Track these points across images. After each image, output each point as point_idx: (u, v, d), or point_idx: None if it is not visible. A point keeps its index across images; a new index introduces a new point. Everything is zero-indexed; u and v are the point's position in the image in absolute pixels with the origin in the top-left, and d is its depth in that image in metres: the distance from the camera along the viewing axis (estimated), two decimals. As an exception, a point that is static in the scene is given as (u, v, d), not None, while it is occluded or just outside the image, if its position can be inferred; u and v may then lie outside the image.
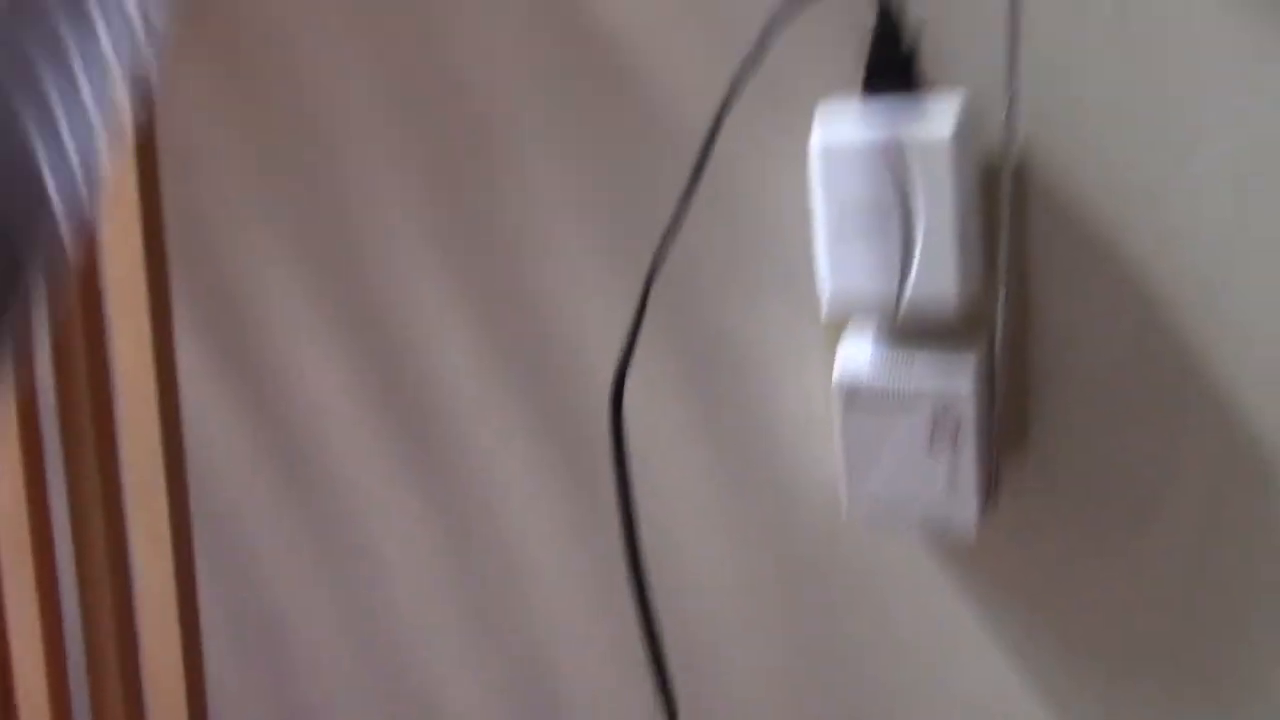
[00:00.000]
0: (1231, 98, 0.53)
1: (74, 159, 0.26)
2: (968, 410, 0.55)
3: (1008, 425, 0.59)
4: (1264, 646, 0.59)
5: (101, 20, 0.28)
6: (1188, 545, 0.58)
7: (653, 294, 0.55)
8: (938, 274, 0.53)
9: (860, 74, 0.55)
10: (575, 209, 0.68)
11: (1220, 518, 0.57)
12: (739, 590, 0.71)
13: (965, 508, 0.57)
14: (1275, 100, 0.52)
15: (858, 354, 0.58)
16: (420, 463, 0.79)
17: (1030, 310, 0.58)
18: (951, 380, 0.55)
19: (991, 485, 0.58)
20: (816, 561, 0.68)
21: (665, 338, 0.67)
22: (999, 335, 0.55)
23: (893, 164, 0.53)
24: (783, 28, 0.53)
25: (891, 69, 0.54)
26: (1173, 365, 0.56)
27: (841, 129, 0.54)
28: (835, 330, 0.61)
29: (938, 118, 0.53)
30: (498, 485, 0.76)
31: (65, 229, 0.27)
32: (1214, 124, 0.53)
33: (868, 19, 0.54)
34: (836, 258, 0.55)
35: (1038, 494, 0.61)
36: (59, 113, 0.26)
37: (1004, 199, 0.54)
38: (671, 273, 0.63)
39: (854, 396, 0.57)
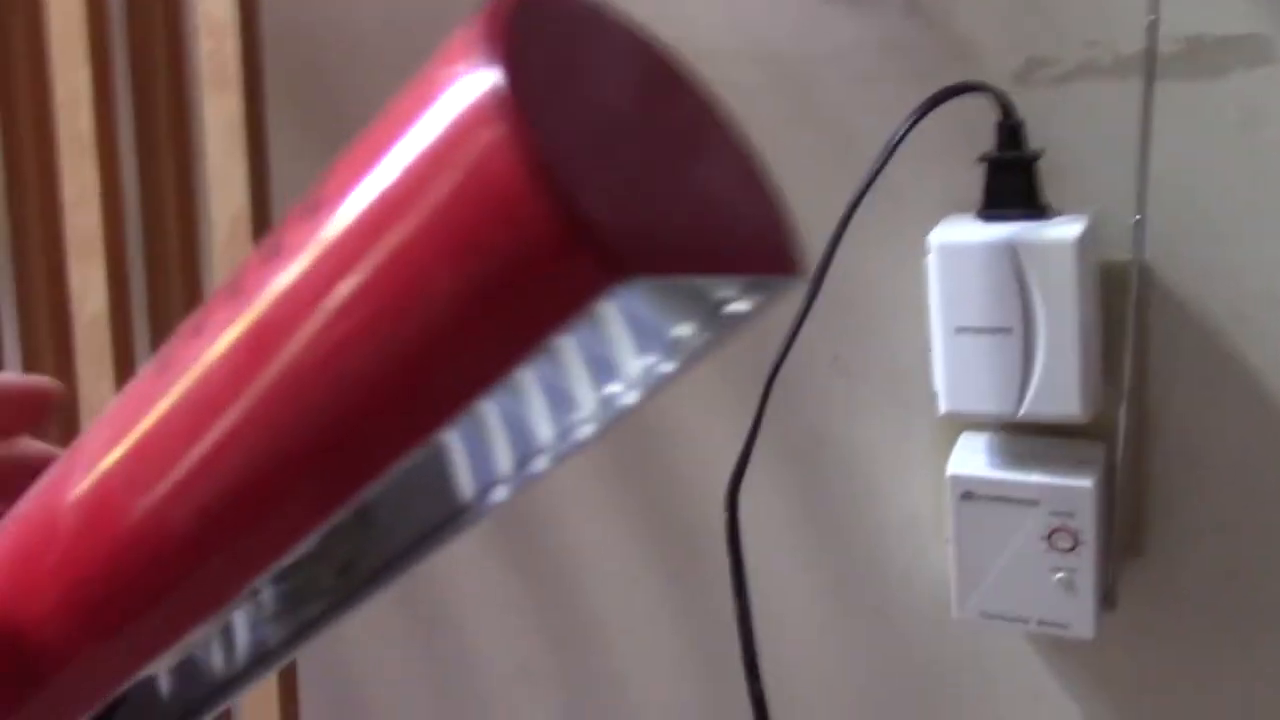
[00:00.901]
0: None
1: None
2: (1087, 512, 0.55)
3: (1127, 529, 0.59)
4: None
5: None
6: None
7: (770, 397, 0.55)
8: (1058, 385, 0.54)
9: (982, 194, 0.56)
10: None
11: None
12: (847, 690, 0.70)
13: (1082, 610, 0.57)
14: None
15: (974, 450, 0.59)
16: (532, 569, 0.80)
17: (1152, 416, 0.58)
18: (1072, 481, 0.55)
19: (1109, 588, 0.58)
20: (925, 660, 0.67)
21: (778, 440, 0.68)
22: (1120, 439, 0.55)
23: (1014, 267, 0.53)
24: (904, 141, 0.54)
25: (1014, 185, 0.55)
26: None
27: (964, 231, 0.55)
28: (952, 430, 0.61)
29: (1061, 226, 0.53)
30: (614, 596, 0.77)
31: None
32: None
33: (991, 139, 0.55)
34: (954, 364, 0.56)
35: (1155, 599, 0.60)
36: None
37: (1129, 308, 0.54)
38: (786, 373, 0.64)
39: (969, 493, 0.58)
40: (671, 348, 0.22)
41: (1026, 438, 0.59)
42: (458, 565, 0.83)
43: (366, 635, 0.89)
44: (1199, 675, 0.60)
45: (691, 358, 0.22)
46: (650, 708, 0.78)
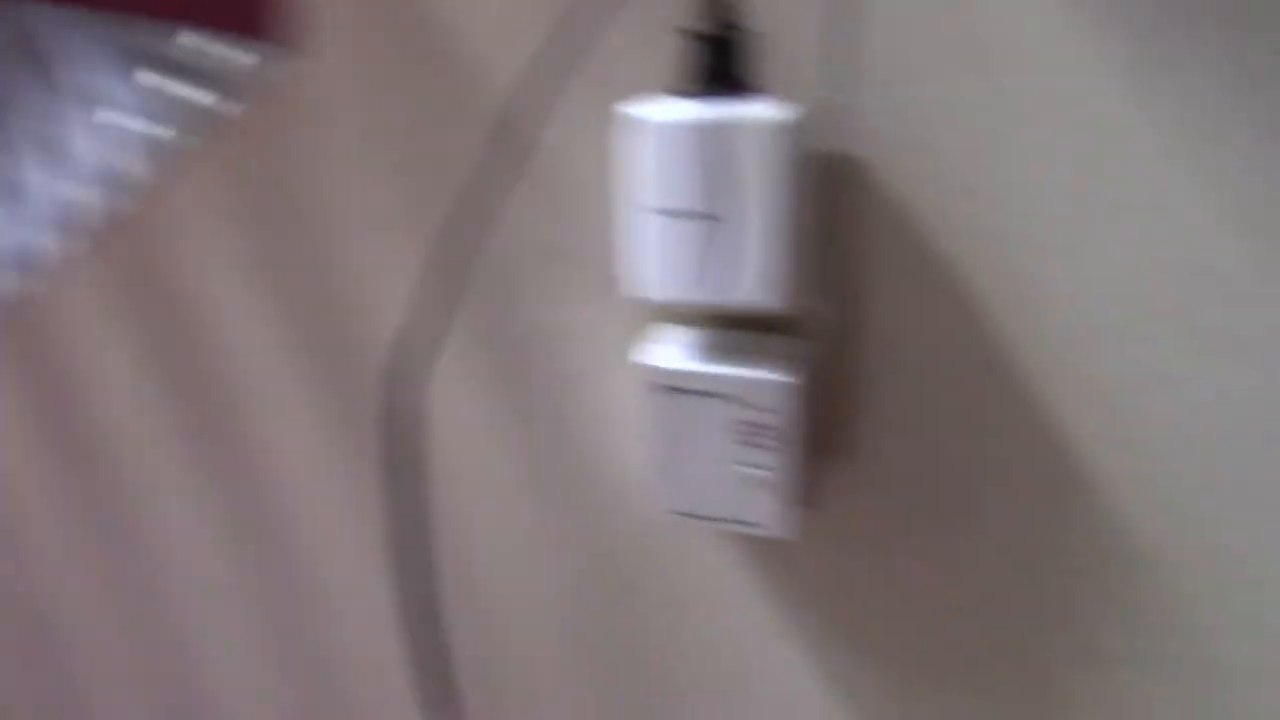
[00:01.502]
0: (1059, 104, 0.52)
1: None
2: (785, 408, 0.53)
3: (831, 425, 0.58)
4: (1069, 655, 0.59)
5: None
6: (1005, 550, 0.58)
7: (469, 281, 0.51)
8: (756, 273, 0.51)
9: (685, 71, 0.52)
10: (382, 187, 0.64)
11: (1037, 523, 0.57)
12: (546, 589, 0.67)
13: (779, 510, 0.55)
14: (1100, 106, 0.51)
15: (671, 346, 0.56)
16: (203, 437, 0.73)
17: (856, 312, 0.56)
18: (770, 376, 0.53)
19: (812, 486, 0.56)
20: (625, 559, 0.65)
21: (479, 327, 0.63)
22: (818, 336, 0.54)
23: (714, 148, 0.50)
24: (605, 20, 0.50)
25: (718, 62, 0.51)
26: (996, 368, 0.55)
27: (662, 109, 0.51)
28: (656, 321, 0.58)
29: (765, 109, 0.50)
30: (280, 465, 0.71)
31: None
32: (1044, 129, 0.52)
33: (696, 18, 0.52)
34: (650, 249, 0.52)
35: (859, 498, 0.60)
36: None
37: (836, 199, 0.52)
38: (489, 262, 0.60)
39: (664, 388, 0.55)
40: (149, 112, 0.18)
41: (729, 331, 0.57)
42: (145, 450, 0.75)
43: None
44: (902, 573, 0.60)
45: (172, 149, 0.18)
46: (337, 601, 0.73)
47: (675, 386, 0.55)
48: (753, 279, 0.51)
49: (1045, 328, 0.54)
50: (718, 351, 0.55)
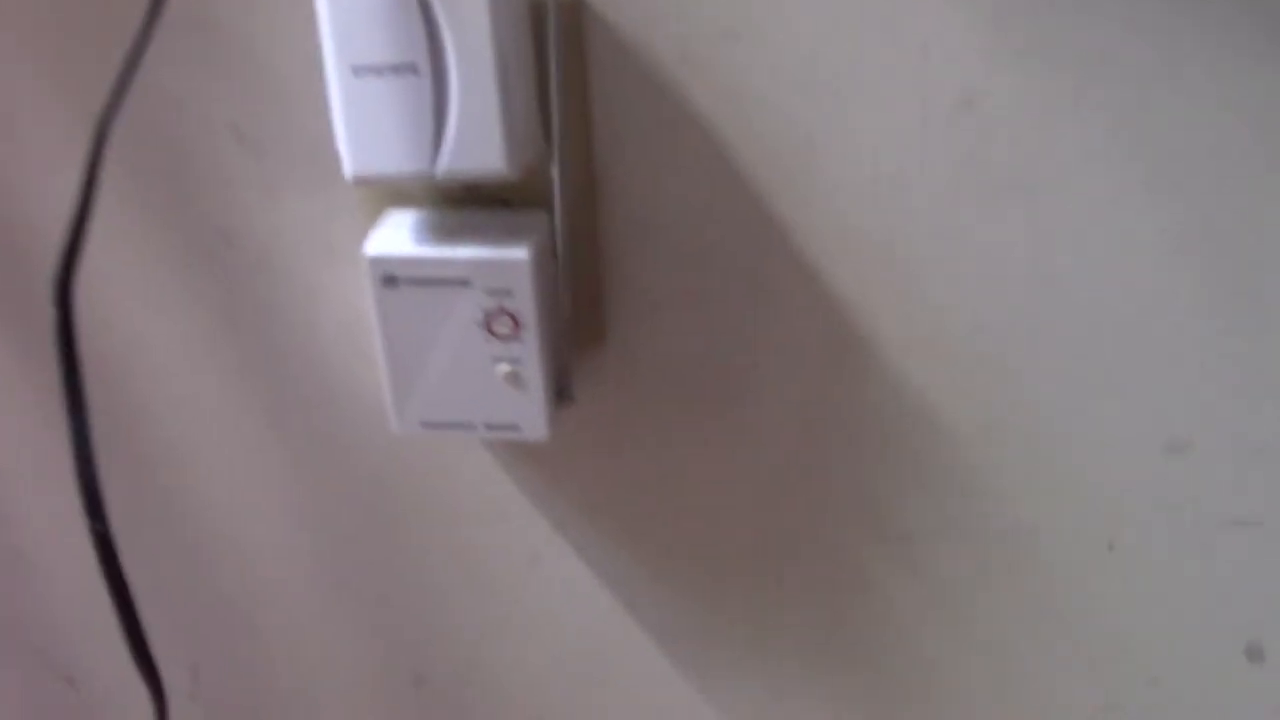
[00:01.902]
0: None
1: None
2: (525, 289, 0.47)
3: (580, 309, 0.52)
4: (865, 531, 0.55)
5: None
6: (787, 426, 0.54)
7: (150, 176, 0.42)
8: (477, 136, 0.44)
9: None
10: (29, 73, 0.54)
11: (820, 393, 0.53)
12: (287, 524, 0.60)
13: (533, 408, 0.49)
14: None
15: (395, 232, 0.48)
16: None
17: (599, 178, 0.50)
18: (504, 253, 0.47)
19: (565, 379, 0.50)
20: (374, 484, 0.58)
21: (176, 238, 0.54)
22: (558, 207, 0.47)
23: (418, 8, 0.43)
24: None
25: None
26: (765, 230, 0.50)
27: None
28: (378, 207, 0.51)
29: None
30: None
31: None
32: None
33: None
34: (356, 114, 0.45)
35: (618, 388, 0.54)
36: None
37: (552, 48, 0.45)
38: (178, 154, 0.51)
39: (391, 281, 0.48)
40: None
41: (462, 210, 0.50)
42: None
43: None
44: (681, 462, 0.55)
45: None
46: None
47: (404, 277, 0.47)
48: (471, 142, 0.44)
49: (816, 182, 0.49)
50: (448, 233, 0.48)
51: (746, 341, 0.52)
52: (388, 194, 0.51)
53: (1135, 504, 0.53)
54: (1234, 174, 0.46)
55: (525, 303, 0.47)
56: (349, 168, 0.45)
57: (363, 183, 0.46)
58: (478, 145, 0.44)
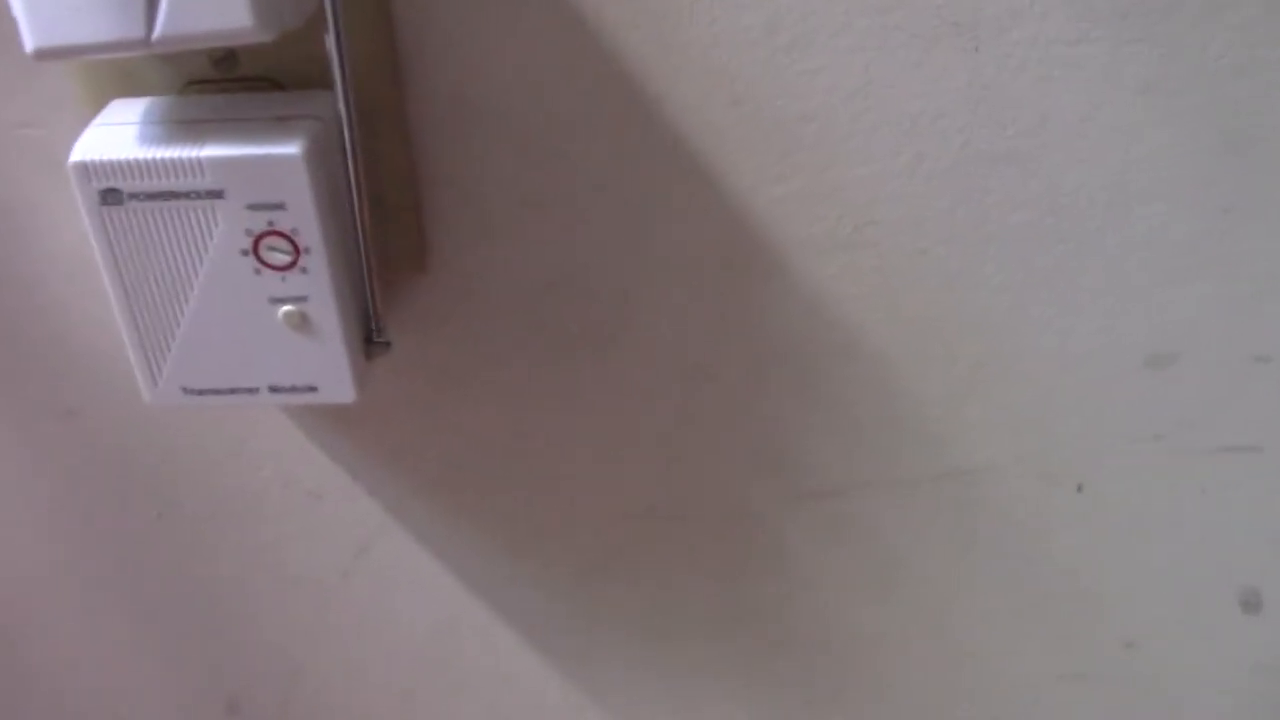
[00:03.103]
0: None
1: None
2: (303, 197, 0.34)
3: (389, 226, 0.39)
4: (764, 490, 0.44)
5: None
6: (656, 375, 0.42)
7: None
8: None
9: None
10: None
11: (700, 333, 0.41)
12: (30, 522, 0.46)
13: (333, 359, 0.36)
14: None
15: (117, 131, 0.35)
16: None
17: (402, 42, 0.37)
18: (271, 155, 0.33)
19: (374, 320, 0.37)
20: (133, 463, 0.45)
21: None
22: (339, 80, 0.34)
23: None
24: None
25: None
26: (628, 119, 0.38)
27: None
28: (99, 104, 0.37)
29: None
30: None
31: None
32: None
33: None
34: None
35: (446, 324, 0.41)
36: None
37: None
38: None
39: (112, 195, 0.34)
40: None
41: (211, 96, 0.36)
42: None
43: None
44: (516, 424, 0.43)
45: None
46: None
47: (130, 190, 0.34)
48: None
49: (701, 39, 0.36)
50: (191, 126, 0.34)
51: (614, 262, 0.40)
52: (114, 78, 0.37)
53: (1109, 434, 0.42)
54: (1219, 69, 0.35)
55: (305, 217, 0.34)
56: (29, 38, 0.31)
57: (49, 58, 0.32)
58: (209, -6, 0.30)
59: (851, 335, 0.41)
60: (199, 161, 0.33)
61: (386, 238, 0.39)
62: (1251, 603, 0.45)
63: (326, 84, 0.36)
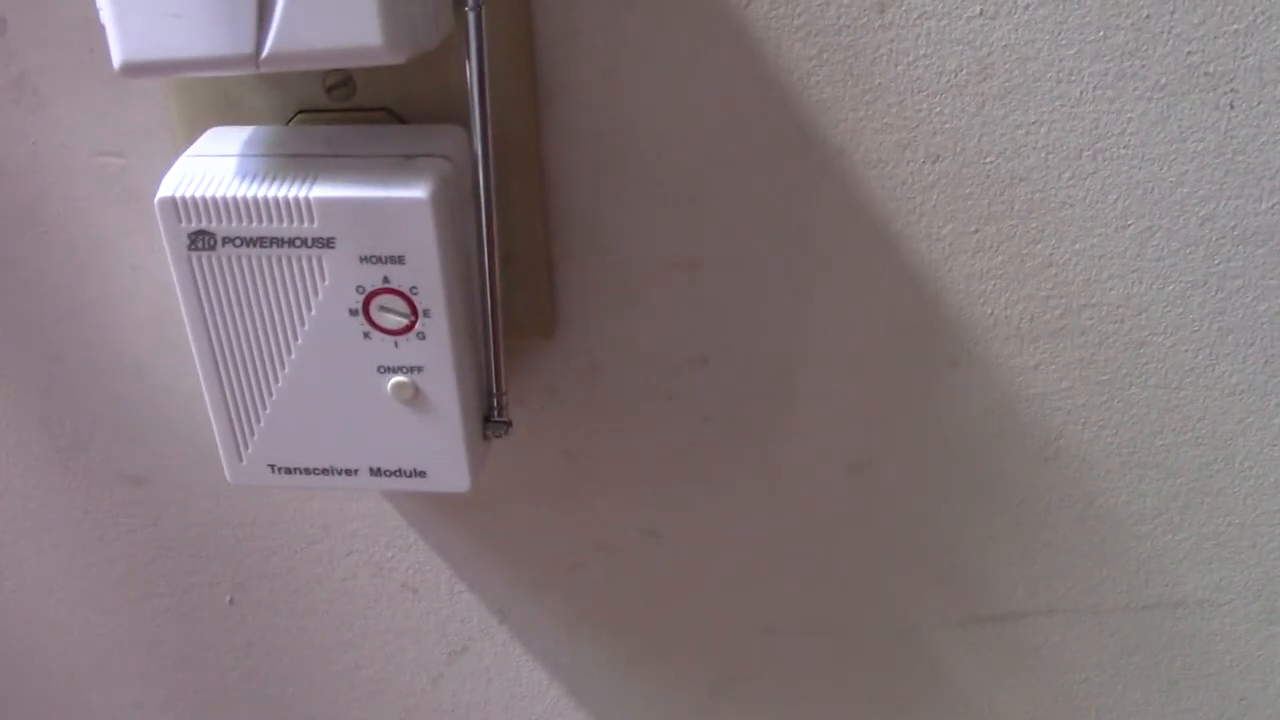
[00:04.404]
0: None
1: None
2: (429, 257, 0.28)
3: (517, 286, 0.33)
4: (926, 610, 0.38)
5: None
6: (819, 467, 0.36)
7: None
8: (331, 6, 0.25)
9: None
10: None
11: (870, 419, 0.35)
12: (113, 620, 0.41)
13: (447, 442, 0.31)
14: None
15: (212, 163, 0.30)
16: None
17: (544, 71, 0.32)
18: (394, 199, 0.28)
19: (496, 397, 0.32)
20: (208, 550, 0.39)
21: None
22: (477, 117, 0.28)
23: None
24: None
25: None
26: (801, 169, 0.32)
27: None
28: (194, 129, 0.32)
29: None
30: None
31: None
32: None
33: None
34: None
35: (577, 400, 0.36)
36: None
37: None
38: None
39: (203, 239, 0.29)
40: None
41: (324, 126, 0.31)
42: None
43: None
44: (651, 519, 0.37)
45: None
46: None
47: (223, 233, 0.29)
48: (320, 3, 0.25)
49: (886, 78, 0.30)
50: (299, 161, 0.29)
51: (774, 336, 0.34)
52: (211, 102, 0.32)
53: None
54: None
55: (428, 273, 0.28)
56: (117, 51, 0.26)
57: (139, 75, 0.27)
58: (332, 7, 0.25)
59: (1049, 437, 0.34)
60: (307, 203, 0.28)
61: (510, 297, 0.34)
62: None
63: (454, 118, 0.31)
